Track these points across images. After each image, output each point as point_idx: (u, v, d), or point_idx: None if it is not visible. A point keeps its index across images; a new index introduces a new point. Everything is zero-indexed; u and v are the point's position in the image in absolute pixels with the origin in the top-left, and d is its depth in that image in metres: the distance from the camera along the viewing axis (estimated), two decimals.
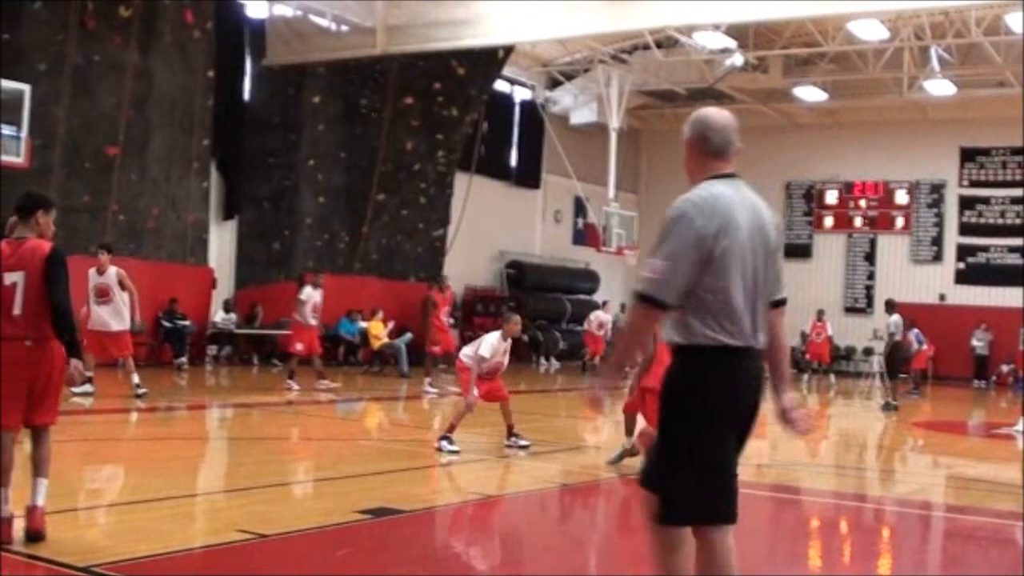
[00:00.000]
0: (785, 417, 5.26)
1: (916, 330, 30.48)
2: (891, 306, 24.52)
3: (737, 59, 33.12)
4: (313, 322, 21.62)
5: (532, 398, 24.00)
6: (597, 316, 32.65)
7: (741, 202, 4.97)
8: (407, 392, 22.85)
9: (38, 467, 7.37)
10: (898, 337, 23.94)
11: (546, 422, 19.04)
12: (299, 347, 21.52)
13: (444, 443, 12.83)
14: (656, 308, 4.84)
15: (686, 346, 4.93)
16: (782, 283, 5.22)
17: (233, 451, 13.99)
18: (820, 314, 33.26)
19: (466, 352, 13.75)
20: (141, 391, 17.17)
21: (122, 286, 17.15)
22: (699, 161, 5.12)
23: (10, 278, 7.26)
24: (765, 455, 16.05)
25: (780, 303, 5.21)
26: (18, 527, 7.20)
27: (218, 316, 27.40)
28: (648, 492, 5.01)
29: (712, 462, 4.94)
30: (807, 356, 34.31)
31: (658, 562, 5.04)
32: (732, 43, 31.57)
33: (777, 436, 18.30)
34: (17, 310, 7.24)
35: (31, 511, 7.26)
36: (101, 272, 17.25)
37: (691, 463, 4.90)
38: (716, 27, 29.00)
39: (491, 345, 13.20)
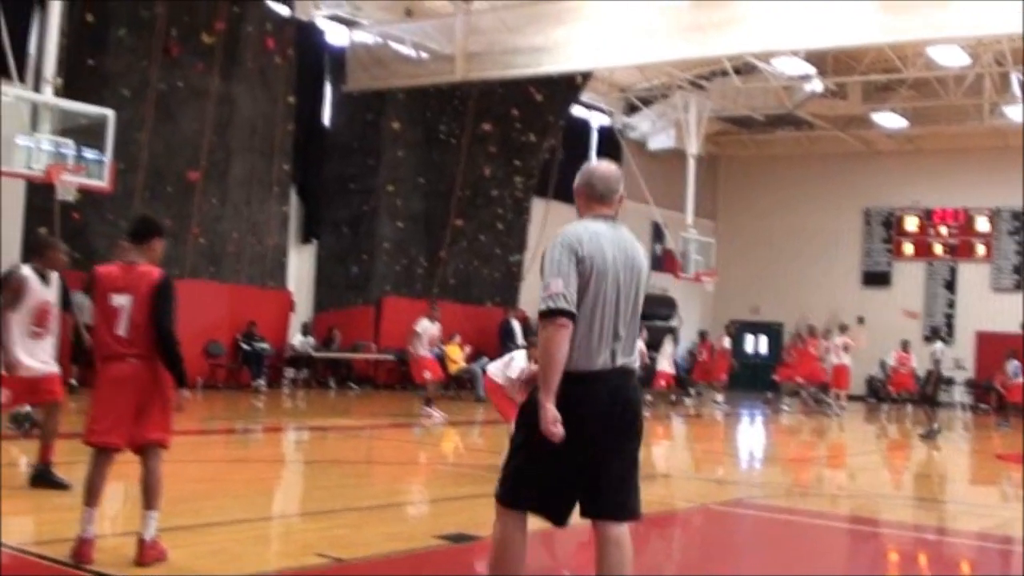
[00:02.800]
0: None
1: (1016, 362, 29.89)
2: (936, 334, 24.20)
3: (816, 85, 32.96)
4: (427, 353, 21.81)
5: None
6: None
7: (612, 239, 5.65)
8: (483, 416, 22.87)
9: (146, 497, 7.39)
10: (943, 366, 23.73)
11: None
12: (427, 375, 21.69)
13: None
14: (562, 319, 5.40)
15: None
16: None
17: (310, 474, 14.07)
18: (905, 345, 32.19)
19: (493, 371, 13.61)
20: None
21: None
22: (586, 204, 5.86)
23: (118, 300, 7.37)
24: (844, 486, 15.93)
25: None
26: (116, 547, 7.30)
27: (296, 339, 27.61)
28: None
29: (556, 466, 5.49)
30: (891, 386, 33.45)
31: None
32: (811, 69, 31.43)
33: (856, 467, 18.16)
34: (121, 332, 7.35)
35: (139, 543, 7.32)
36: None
37: (536, 462, 5.54)
38: (795, 53, 28.87)
39: (520, 367, 12.98)
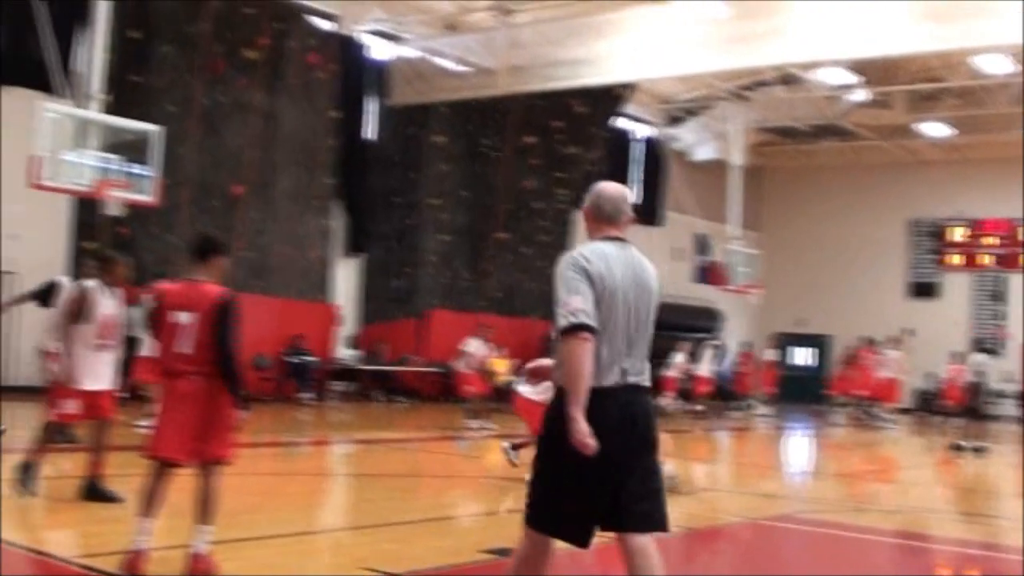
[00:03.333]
0: None
1: None
2: (980, 346, 23.93)
3: (860, 95, 32.81)
4: (468, 371, 22.01)
5: None
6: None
7: (620, 260, 5.76)
8: (528, 428, 22.79)
9: (202, 512, 7.42)
10: (990, 378, 23.50)
11: (668, 464, 18.90)
12: (470, 389, 21.91)
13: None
14: (584, 333, 5.46)
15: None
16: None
17: (358, 487, 14.09)
18: (960, 356, 31.60)
19: (522, 387, 13.73)
20: None
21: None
22: (595, 225, 5.99)
23: (180, 317, 7.43)
24: (894, 500, 15.80)
25: None
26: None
27: (342, 352, 27.68)
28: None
29: (567, 488, 5.61)
30: (945, 400, 32.52)
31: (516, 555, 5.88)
32: (855, 79, 31.26)
33: (907, 481, 17.99)
34: (186, 349, 7.41)
35: (191, 556, 7.35)
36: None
37: (552, 485, 5.69)
38: (838, 63, 28.71)
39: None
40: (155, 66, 23.89)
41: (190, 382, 7.41)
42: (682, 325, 37.48)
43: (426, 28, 28.81)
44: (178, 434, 7.41)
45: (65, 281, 15.01)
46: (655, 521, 5.77)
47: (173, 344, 7.46)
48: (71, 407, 10.16)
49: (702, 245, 38.58)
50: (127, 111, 20.89)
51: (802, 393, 37.14)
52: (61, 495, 10.26)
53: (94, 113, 19.44)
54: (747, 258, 33.70)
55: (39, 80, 20.59)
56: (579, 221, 32.49)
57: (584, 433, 5.36)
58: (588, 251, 5.72)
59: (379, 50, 28.78)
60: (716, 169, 36.40)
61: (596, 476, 5.53)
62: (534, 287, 32.39)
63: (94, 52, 20.13)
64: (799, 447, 26.07)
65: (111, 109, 20.60)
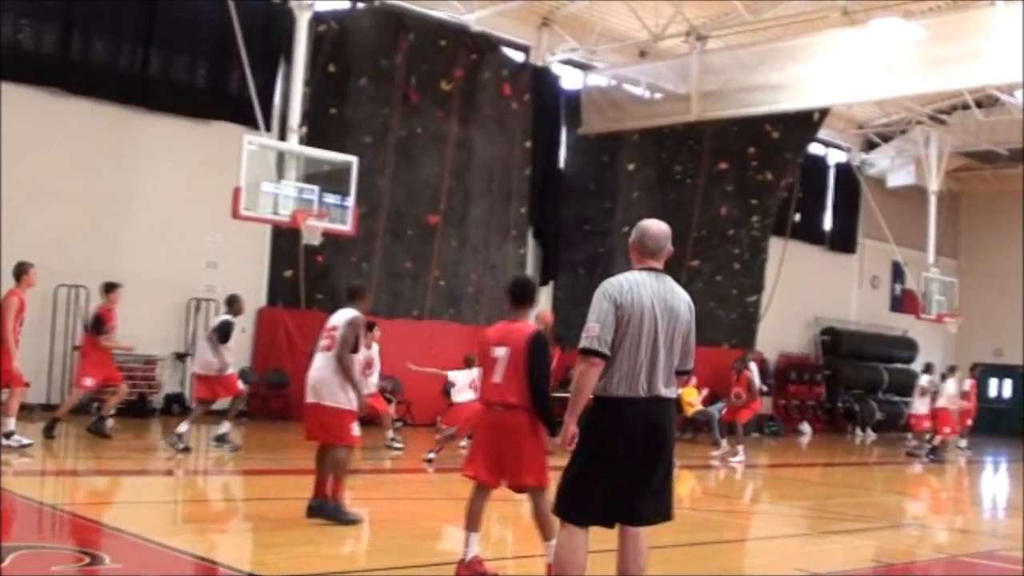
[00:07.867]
0: None
1: None
2: None
3: None
4: None
5: (847, 470, 23.48)
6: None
7: (652, 288, 6.75)
8: (719, 461, 22.60)
9: (541, 531, 8.16)
10: None
11: (863, 496, 18.56)
12: None
13: None
14: (596, 358, 6.48)
15: (595, 396, 6.55)
16: (689, 358, 6.95)
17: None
18: None
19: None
20: (397, 445, 18.89)
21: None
22: (638, 257, 7.01)
23: (496, 352, 8.23)
24: None
25: (682, 373, 6.87)
26: None
27: None
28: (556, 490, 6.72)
29: (600, 479, 6.49)
30: None
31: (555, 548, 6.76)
32: None
33: None
34: (498, 378, 8.14)
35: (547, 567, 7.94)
36: (368, 346, 17.71)
37: (583, 477, 6.54)
38: None
39: None
40: (352, 99, 24.46)
41: (492, 412, 8.17)
42: (878, 355, 36.86)
43: (618, 56, 28.88)
44: (486, 458, 8.16)
45: (231, 318, 15.62)
46: (662, 514, 6.73)
47: (490, 377, 8.20)
48: (358, 431, 10.61)
49: (897, 272, 37.79)
50: (324, 143, 21.42)
51: (999, 426, 36.05)
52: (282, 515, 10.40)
53: (293, 145, 19.98)
54: (944, 286, 32.92)
55: (241, 114, 21.26)
56: (773, 247, 32.49)
57: (570, 438, 6.54)
58: (623, 280, 6.70)
59: (571, 79, 28.98)
60: (912, 195, 35.64)
61: (618, 473, 6.45)
62: (726, 316, 32.06)
63: (293, 87, 20.68)
64: (998, 482, 25.30)
65: (309, 141, 21.17)
